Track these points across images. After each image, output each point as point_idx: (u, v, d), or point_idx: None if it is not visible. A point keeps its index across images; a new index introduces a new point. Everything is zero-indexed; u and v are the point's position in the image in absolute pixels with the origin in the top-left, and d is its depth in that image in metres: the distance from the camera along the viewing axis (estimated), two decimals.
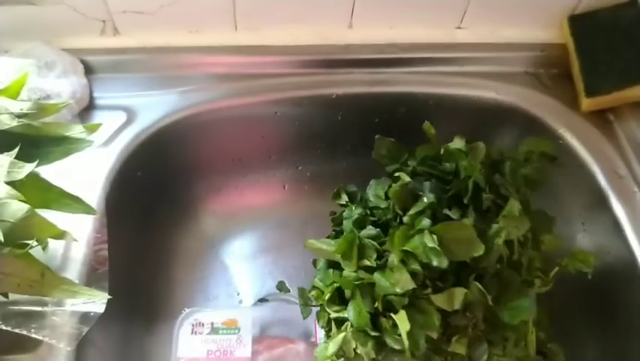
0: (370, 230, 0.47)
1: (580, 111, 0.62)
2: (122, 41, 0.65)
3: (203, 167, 0.71)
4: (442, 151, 0.48)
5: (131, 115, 0.62)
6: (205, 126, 0.66)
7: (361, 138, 0.70)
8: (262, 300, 0.71)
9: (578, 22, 0.62)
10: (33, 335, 0.42)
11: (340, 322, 0.46)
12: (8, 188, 0.37)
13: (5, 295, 0.43)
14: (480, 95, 0.65)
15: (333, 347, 0.44)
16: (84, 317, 0.45)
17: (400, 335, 0.41)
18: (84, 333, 0.45)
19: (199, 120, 0.64)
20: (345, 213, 0.52)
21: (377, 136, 0.53)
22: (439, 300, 0.41)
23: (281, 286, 0.72)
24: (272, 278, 0.73)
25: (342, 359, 0.46)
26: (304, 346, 0.64)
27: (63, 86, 0.57)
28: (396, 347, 0.41)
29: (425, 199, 0.44)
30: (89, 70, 0.63)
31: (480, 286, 0.42)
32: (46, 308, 0.44)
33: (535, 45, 0.66)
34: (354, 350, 0.44)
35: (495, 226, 0.43)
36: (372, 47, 0.66)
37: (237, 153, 0.71)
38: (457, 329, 0.43)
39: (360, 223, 0.49)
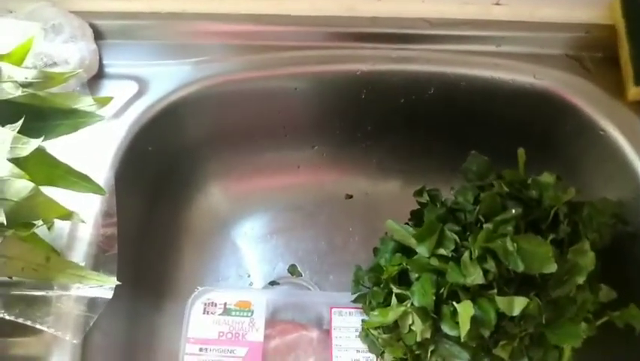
0: (453, 226, 0.49)
1: (625, 101, 0.57)
2: (134, 5, 0.61)
3: (217, 143, 0.67)
4: (529, 180, 0.50)
5: (142, 86, 0.58)
6: (220, 100, 0.62)
7: (384, 120, 0.67)
8: (273, 283, 0.69)
9: (631, 2, 0.57)
10: (37, 326, 0.39)
11: (402, 299, 0.48)
12: (11, 166, 0.34)
13: (10, 278, 0.40)
14: (515, 78, 0.60)
15: (392, 315, 0.47)
16: (91, 304, 0.43)
17: (457, 323, 0.43)
18: (92, 323, 0.42)
19: (214, 93, 0.61)
20: (426, 209, 0.52)
21: (473, 152, 0.53)
22: (501, 302, 0.42)
23: (292, 270, 0.69)
24: (283, 261, 0.70)
25: (388, 333, 0.50)
26: (318, 333, 0.62)
27: (71, 51, 0.53)
28: (451, 333, 0.44)
29: (513, 211, 0.46)
30: (98, 35, 0.59)
31: (539, 302, 0.43)
32: (51, 293, 0.41)
33: (578, 26, 0.61)
34: (410, 325, 0.46)
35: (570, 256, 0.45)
36: (402, 21, 0.62)
37: (252, 130, 0.68)
38: (505, 335, 0.44)
39: (442, 219, 0.50)
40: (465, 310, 0.42)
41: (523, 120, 0.62)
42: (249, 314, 0.62)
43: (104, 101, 0.42)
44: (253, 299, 0.63)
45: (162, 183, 0.64)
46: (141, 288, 0.59)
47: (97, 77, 0.58)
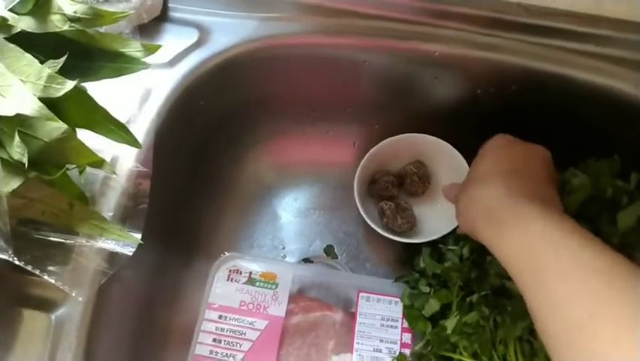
0: None
1: None
2: None
3: (272, 106, 0.64)
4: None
5: (203, 35, 0.55)
6: (282, 62, 0.58)
7: (454, 108, 0.61)
8: (306, 260, 0.66)
9: None
10: (45, 277, 0.38)
11: None
12: (41, 106, 0.32)
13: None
14: (614, 85, 0.53)
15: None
16: (110, 258, 0.41)
17: None
18: (106, 278, 0.40)
19: (277, 54, 0.57)
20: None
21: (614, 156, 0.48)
22: None
23: (329, 251, 0.66)
24: (321, 240, 0.67)
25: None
26: (342, 315, 0.59)
27: None
28: None
29: None
30: None
31: None
32: (69, 241, 0.40)
33: None
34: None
35: None
36: (494, 3, 0.55)
37: (311, 98, 0.64)
38: None
39: None
40: None
41: (614, 135, 0.54)
42: (274, 287, 0.60)
43: (152, 49, 0.39)
44: (279, 272, 0.61)
45: (210, 139, 0.62)
46: (171, 244, 0.58)
47: (158, 20, 0.55)
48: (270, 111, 0.64)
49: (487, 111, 0.59)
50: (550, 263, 0.32)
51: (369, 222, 0.60)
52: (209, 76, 0.55)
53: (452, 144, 0.61)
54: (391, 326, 0.58)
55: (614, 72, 0.53)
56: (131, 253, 0.41)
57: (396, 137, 0.63)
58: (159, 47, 0.39)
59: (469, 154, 0.62)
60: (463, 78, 0.57)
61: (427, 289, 0.55)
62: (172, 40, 0.55)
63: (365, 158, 0.62)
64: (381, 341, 0.58)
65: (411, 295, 0.57)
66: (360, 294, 0.60)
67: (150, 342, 0.56)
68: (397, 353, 0.57)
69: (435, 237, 0.59)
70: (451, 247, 0.55)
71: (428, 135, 0.63)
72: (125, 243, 0.41)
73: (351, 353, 0.57)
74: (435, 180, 0.66)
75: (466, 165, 0.60)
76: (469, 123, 0.60)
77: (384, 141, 0.63)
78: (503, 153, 0.44)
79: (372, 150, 0.63)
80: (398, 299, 0.59)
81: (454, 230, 0.57)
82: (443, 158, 0.63)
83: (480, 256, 0.51)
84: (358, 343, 0.57)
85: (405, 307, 0.57)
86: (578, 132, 0.56)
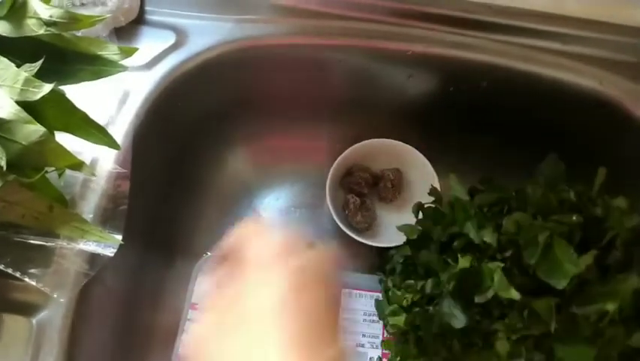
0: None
1: None
2: None
3: (250, 107, 0.64)
4: (595, 195, 0.47)
5: (180, 37, 0.56)
6: (258, 63, 0.59)
7: (429, 106, 0.62)
8: None
9: None
10: (25, 279, 0.38)
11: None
12: (18, 109, 0.32)
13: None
14: (579, 82, 0.55)
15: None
16: (91, 260, 0.41)
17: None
18: (87, 280, 0.41)
19: (253, 55, 0.57)
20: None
21: (553, 154, 0.48)
22: (499, 275, 0.41)
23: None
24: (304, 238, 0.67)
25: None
26: None
27: None
28: (448, 285, 0.44)
29: (574, 217, 0.43)
30: None
31: (553, 306, 0.40)
32: (50, 243, 0.40)
33: None
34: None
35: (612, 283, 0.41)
36: (462, 3, 0.56)
37: (289, 98, 0.65)
38: (508, 327, 0.42)
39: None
40: (462, 261, 0.43)
41: (582, 130, 0.56)
42: None
43: (129, 52, 0.39)
44: None
45: (189, 140, 0.62)
46: (153, 244, 0.58)
47: (135, 22, 0.56)
48: (249, 112, 0.65)
49: (458, 108, 0.60)
50: None
51: (331, 210, 0.62)
52: (187, 78, 0.55)
53: (424, 139, 0.63)
54: (373, 321, 0.59)
55: (579, 69, 0.55)
56: (112, 254, 0.42)
57: (384, 140, 0.65)
58: (136, 49, 0.39)
59: (438, 147, 0.65)
60: (436, 76, 0.59)
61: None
62: (149, 43, 0.55)
63: (347, 150, 0.64)
64: (364, 335, 0.59)
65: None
66: (343, 290, 0.61)
67: (133, 343, 0.56)
68: (379, 347, 0.58)
69: (384, 245, 0.61)
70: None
71: (412, 148, 0.65)
72: (106, 244, 0.42)
73: None
74: (407, 191, 0.68)
75: (437, 179, 0.62)
76: (442, 120, 0.62)
77: (370, 140, 0.65)
78: None
79: (356, 145, 0.65)
80: (380, 294, 0.60)
81: None
82: (418, 171, 0.65)
83: None
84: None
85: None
86: (546, 129, 0.58)
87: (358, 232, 0.64)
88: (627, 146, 0.54)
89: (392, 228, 0.65)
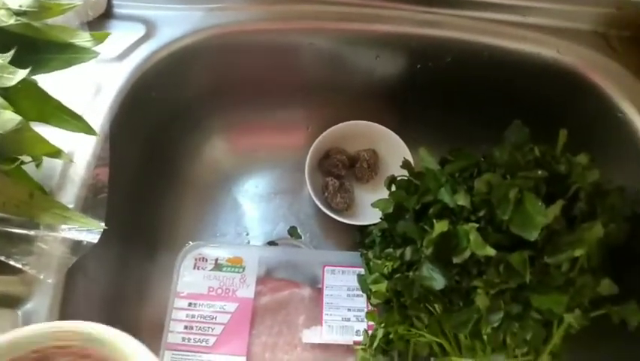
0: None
1: None
2: None
3: (225, 95, 0.65)
4: (559, 154, 0.49)
5: (150, 29, 0.57)
6: (230, 50, 0.60)
7: (398, 85, 0.64)
8: (271, 243, 0.68)
9: None
10: (12, 263, 0.39)
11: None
12: None
13: None
14: (539, 51, 0.57)
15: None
16: (75, 246, 0.42)
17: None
18: (70, 264, 0.41)
19: (224, 43, 0.58)
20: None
21: (517, 121, 0.51)
22: (474, 234, 0.43)
23: (292, 232, 0.68)
24: (284, 222, 0.69)
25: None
26: (310, 291, 0.61)
27: None
28: (426, 251, 0.45)
29: (540, 172, 0.45)
30: None
31: (526, 258, 0.42)
32: (33, 232, 0.40)
33: (610, 1, 0.57)
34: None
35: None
36: None
37: (262, 84, 0.65)
38: (486, 282, 0.44)
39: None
40: (439, 226, 0.44)
41: (544, 96, 0.59)
42: (241, 270, 0.61)
43: (101, 37, 0.40)
44: (245, 256, 0.62)
45: (166, 130, 0.63)
46: (134, 236, 0.58)
47: (104, 17, 0.56)
48: (225, 100, 0.66)
49: (427, 84, 0.62)
50: None
51: (311, 193, 0.64)
52: (159, 68, 0.56)
53: (397, 118, 0.65)
54: (357, 295, 0.60)
55: (538, 39, 0.57)
56: (95, 240, 0.42)
57: (358, 122, 0.67)
58: (108, 34, 0.40)
59: (412, 124, 0.66)
60: (403, 54, 0.60)
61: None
62: (119, 36, 0.56)
63: (324, 134, 0.66)
64: (349, 310, 0.60)
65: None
66: (326, 268, 0.62)
67: None
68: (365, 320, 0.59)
69: (364, 223, 0.63)
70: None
71: (386, 128, 0.67)
72: (89, 231, 0.42)
73: (321, 325, 0.59)
74: (383, 171, 0.70)
75: (411, 157, 0.63)
76: (413, 97, 0.64)
77: (345, 123, 0.67)
78: None
79: (332, 128, 0.66)
80: (362, 269, 0.61)
81: None
82: (393, 150, 0.67)
83: None
84: (327, 314, 0.60)
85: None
86: (511, 98, 0.60)
87: (338, 212, 0.66)
88: (585, 108, 0.56)
89: (370, 206, 0.67)
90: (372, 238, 0.57)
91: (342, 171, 0.68)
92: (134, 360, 0.34)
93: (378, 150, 0.70)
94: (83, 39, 0.40)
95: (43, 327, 0.34)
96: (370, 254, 0.55)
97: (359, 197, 0.69)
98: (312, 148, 0.65)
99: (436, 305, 0.48)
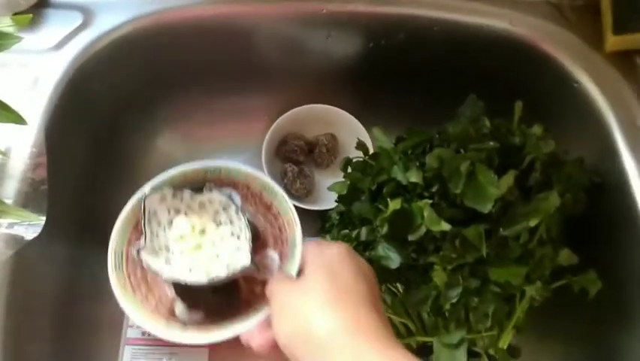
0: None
1: (603, 52, 0.54)
2: None
3: (171, 83, 0.63)
4: (515, 126, 0.49)
5: (88, 17, 0.54)
6: (174, 36, 0.57)
7: (353, 65, 0.63)
8: None
9: None
10: None
11: None
12: None
13: None
14: (491, 24, 0.56)
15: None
16: (9, 240, 0.40)
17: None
18: (4, 258, 0.39)
19: (167, 28, 0.56)
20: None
21: (471, 95, 0.51)
22: (428, 210, 0.42)
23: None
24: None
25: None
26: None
27: None
28: (381, 230, 0.45)
29: (491, 143, 0.45)
30: None
31: (482, 232, 0.41)
32: None
33: None
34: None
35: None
36: None
37: (214, 71, 0.63)
38: (443, 258, 0.43)
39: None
40: (393, 204, 0.43)
41: (498, 69, 0.58)
42: None
43: (22, 21, 0.38)
44: None
45: (115, 120, 0.61)
46: (85, 232, 0.56)
47: (37, 6, 0.53)
48: (175, 87, 0.64)
49: (382, 63, 0.61)
50: None
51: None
52: (99, 58, 0.54)
53: (354, 99, 0.63)
54: None
55: (490, 12, 0.57)
56: (36, 234, 0.40)
57: (315, 105, 0.66)
58: (29, 17, 0.38)
59: (369, 105, 0.65)
60: (354, 33, 0.59)
61: None
62: (55, 26, 0.53)
63: (279, 119, 0.64)
64: None
65: None
66: None
67: (78, 334, 0.55)
68: None
69: (324, 208, 0.62)
70: None
71: (344, 111, 0.66)
72: (30, 224, 0.40)
73: None
74: (342, 155, 0.68)
75: (370, 141, 0.62)
76: (368, 77, 0.63)
77: (301, 107, 0.65)
78: (338, 269, 0.37)
79: (288, 113, 0.65)
80: None
81: None
82: (352, 134, 0.65)
83: None
84: None
85: None
86: (466, 72, 0.60)
87: (298, 198, 0.64)
88: (541, 80, 0.56)
89: (326, 193, 0.66)
90: (332, 222, 0.56)
91: (300, 156, 0.67)
92: None
93: (337, 133, 0.68)
94: (4, 24, 0.37)
95: None
96: (329, 238, 0.54)
97: (319, 182, 0.68)
98: (268, 134, 0.64)
99: (399, 285, 0.48)
